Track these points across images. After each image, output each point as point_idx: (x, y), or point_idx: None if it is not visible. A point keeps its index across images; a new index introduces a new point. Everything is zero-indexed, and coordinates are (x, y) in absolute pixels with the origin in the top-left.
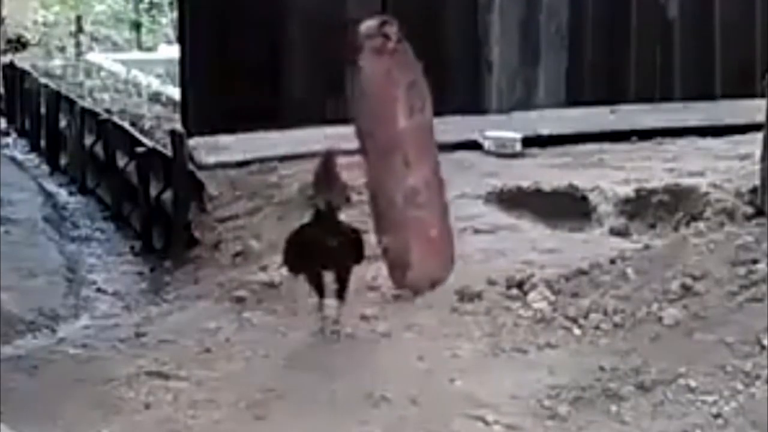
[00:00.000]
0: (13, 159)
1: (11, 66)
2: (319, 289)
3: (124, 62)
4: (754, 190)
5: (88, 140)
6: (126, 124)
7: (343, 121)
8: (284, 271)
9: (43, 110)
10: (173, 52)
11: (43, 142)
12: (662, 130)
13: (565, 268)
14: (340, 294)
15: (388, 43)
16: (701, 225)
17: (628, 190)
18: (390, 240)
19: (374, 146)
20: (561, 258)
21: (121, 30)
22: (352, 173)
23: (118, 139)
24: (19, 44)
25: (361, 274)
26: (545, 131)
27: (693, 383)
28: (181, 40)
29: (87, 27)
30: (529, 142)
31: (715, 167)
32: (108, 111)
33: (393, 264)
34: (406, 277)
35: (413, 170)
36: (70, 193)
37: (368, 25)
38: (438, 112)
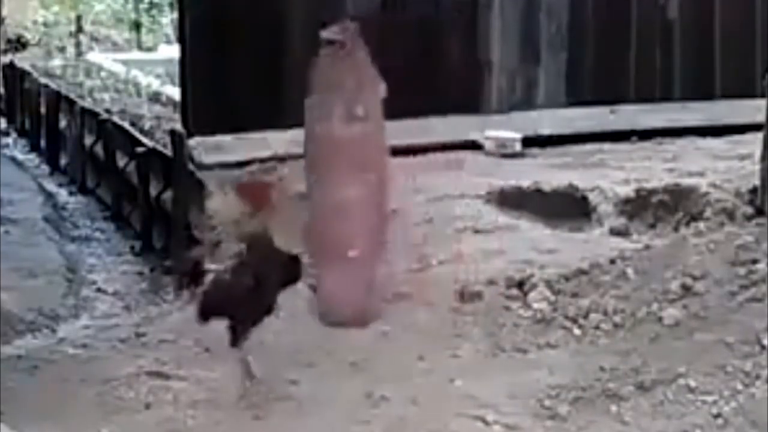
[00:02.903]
0: (13, 159)
1: (11, 66)
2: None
3: (124, 62)
4: (754, 190)
5: (88, 140)
6: (126, 124)
7: None
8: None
9: (43, 110)
10: (173, 52)
11: (43, 142)
12: (662, 130)
13: (565, 268)
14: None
15: (343, 47)
16: (701, 225)
17: (628, 190)
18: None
19: (315, 150)
20: (561, 258)
21: (121, 30)
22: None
23: (118, 139)
24: (19, 44)
25: None
26: (545, 131)
27: (693, 383)
28: (181, 40)
29: (87, 27)
30: (529, 142)
31: (715, 167)
32: (108, 111)
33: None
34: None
35: (345, 184)
36: (70, 193)
37: (332, 29)
38: (438, 112)
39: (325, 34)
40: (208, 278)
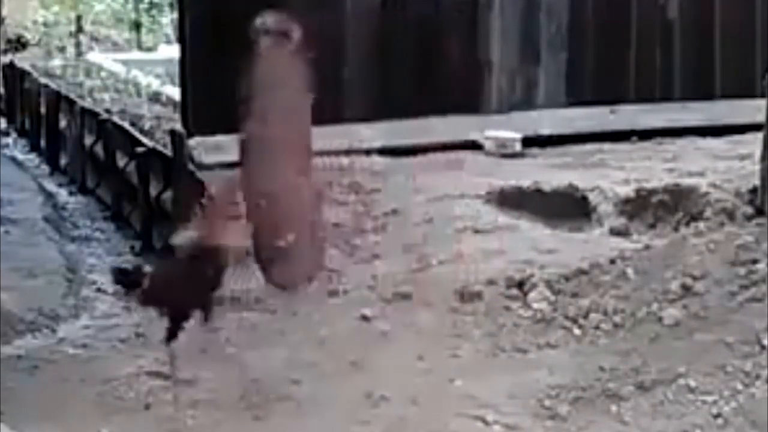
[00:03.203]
0: (13, 159)
1: (11, 66)
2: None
3: (124, 62)
4: (754, 190)
5: (88, 140)
6: (126, 124)
7: (342, 120)
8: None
9: (43, 110)
10: (173, 52)
11: (43, 142)
12: (662, 130)
13: (565, 268)
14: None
15: (288, 41)
16: (701, 225)
17: (628, 190)
18: (292, 240)
19: (277, 146)
20: (561, 258)
21: (121, 30)
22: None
23: (118, 139)
24: (19, 44)
25: (360, 274)
26: (545, 131)
27: (693, 383)
28: (181, 40)
29: (87, 27)
30: (529, 142)
31: (715, 167)
32: (108, 111)
33: (284, 261)
34: (289, 273)
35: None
36: (70, 193)
37: (268, 20)
38: (438, 112)
39: (262, 22)
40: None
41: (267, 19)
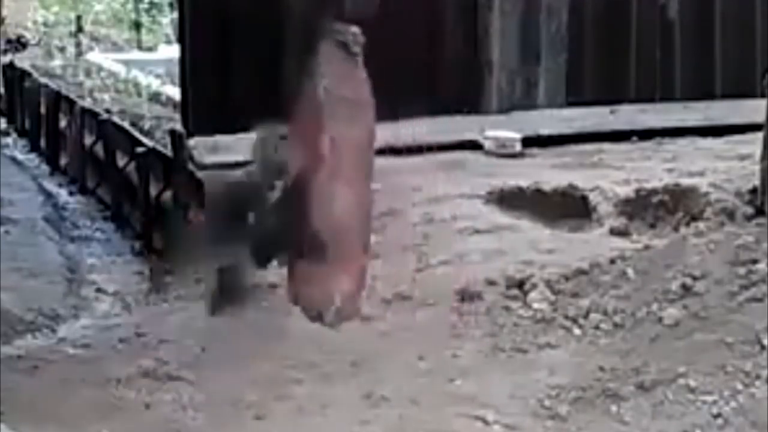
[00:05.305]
0: (13, 159)
1: (11, 66)
2: None
3: (124, 62)
4: (754, 190)
5: (88, 140)
6: (126, 124)
7: None
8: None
9: (43, 110)
10: (173, 52)
11: (43, 142)
12: (662, 130)
13: (565, 268)
14: None
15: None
16: (701, 225)
17: (628, 190)
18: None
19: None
20: (561, 258)
21: (121, 30)
22: None
23: (118, 139)
24: (19, 44)
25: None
26: (545, 131)
27: (693, 383)
28: (181, 40)
29: (87, 27)
30: (529, 142)
31: (715, 167)
32: (108, 111)
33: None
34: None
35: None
36: (70, 193)
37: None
38: (438, 112)
39: (330, 31)
40: None
41: (335, 29)
